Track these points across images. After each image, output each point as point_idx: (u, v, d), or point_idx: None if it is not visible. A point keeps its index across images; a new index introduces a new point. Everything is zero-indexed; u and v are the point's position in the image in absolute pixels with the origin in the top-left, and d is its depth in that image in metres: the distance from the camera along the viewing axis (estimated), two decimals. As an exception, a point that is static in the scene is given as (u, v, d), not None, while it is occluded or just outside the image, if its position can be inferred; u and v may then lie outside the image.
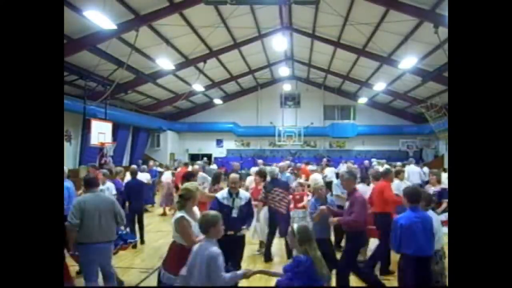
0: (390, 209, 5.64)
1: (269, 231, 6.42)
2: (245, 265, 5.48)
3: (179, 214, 3.59)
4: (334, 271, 4.31)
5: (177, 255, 3.51)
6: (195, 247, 3.09)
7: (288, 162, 11.62)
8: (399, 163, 13.41)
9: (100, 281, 4.55)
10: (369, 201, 5.92)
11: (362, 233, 4.65)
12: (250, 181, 7.85)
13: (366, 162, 16.45)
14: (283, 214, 6.22)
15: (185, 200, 3.63)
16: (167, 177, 11.76)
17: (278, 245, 6.97)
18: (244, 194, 4.84)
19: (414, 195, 3.76)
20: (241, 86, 22.93)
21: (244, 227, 4.76)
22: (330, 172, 11.89)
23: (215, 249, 2.92)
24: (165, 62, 13.12)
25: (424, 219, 3.66)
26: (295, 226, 3.10)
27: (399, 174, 7.36)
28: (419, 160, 20.07)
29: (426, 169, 13.36)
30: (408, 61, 12.36)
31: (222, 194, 4.74)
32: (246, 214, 4.71)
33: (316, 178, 7.66)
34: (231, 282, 2.95)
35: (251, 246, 6.67)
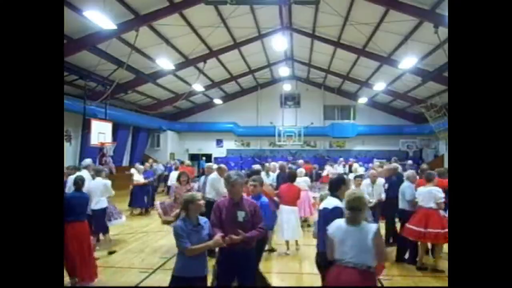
0: None
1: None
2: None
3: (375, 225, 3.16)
4: None
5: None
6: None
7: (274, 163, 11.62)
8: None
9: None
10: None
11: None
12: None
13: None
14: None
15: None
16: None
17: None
18: None
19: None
20: (241, 86, 22.92)
21: None
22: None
23: None
24: (165, 62, 13.12)
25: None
26: None
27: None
28: (418, 160, 20.06)
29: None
30: (408, 61, 12.35)
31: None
32: None
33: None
34: None
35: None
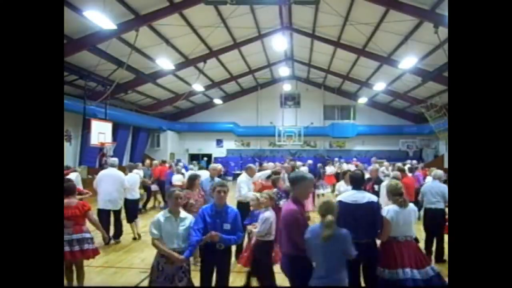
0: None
1: None
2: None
3: None
4: None
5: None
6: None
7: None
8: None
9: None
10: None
11: None
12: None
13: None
14: None
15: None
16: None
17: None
18: None
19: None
20: (241, 86, 22.93)
21: None
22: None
23: None
24: (165, 62, 13.13)
25: None
26: None
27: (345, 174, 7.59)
28: (419, 160, 20.03)
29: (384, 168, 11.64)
30: (408, 61, 12.36)
31: None
32: None
33: None
34: None
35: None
